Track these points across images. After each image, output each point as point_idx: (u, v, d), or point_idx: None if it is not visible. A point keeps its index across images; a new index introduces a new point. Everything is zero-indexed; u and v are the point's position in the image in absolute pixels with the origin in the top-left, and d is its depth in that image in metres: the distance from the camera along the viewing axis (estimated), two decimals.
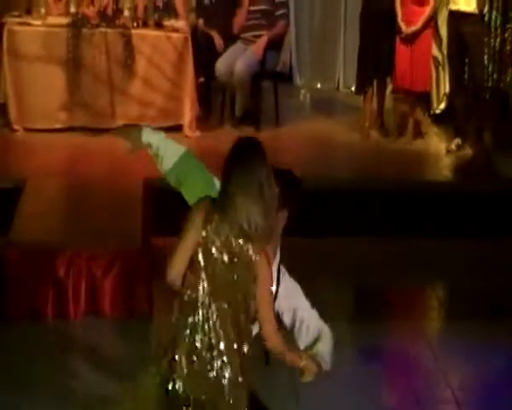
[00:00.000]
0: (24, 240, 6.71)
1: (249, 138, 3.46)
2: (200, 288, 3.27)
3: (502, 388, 5.98)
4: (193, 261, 3.24)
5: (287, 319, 3.90)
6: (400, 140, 8.97)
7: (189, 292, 3.24)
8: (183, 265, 3.23)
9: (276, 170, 3.68)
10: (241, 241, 3.21)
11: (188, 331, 3.25)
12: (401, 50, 8.86)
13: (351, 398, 5.57)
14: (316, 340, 3.91)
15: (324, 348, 3.86)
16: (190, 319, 3.24)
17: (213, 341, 3.31)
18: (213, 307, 3.26)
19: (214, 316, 3.28)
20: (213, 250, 3.22)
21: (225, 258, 3.24)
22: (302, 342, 3.90)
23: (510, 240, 7.57)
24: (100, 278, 6.30)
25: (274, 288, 3.81)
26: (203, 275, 3.25)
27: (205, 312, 3.29)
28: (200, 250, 3.22)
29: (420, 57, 8.96)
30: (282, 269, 3.86)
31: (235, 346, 3.33)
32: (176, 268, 3.25)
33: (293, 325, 3.91)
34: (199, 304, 3.25)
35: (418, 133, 9.32)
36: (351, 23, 10.52)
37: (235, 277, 3.26)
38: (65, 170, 8.00)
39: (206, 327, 3.30)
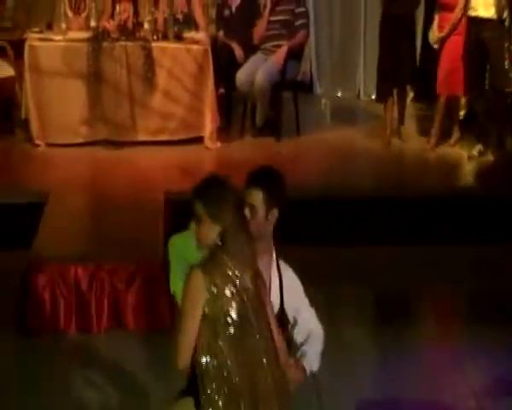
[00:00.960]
0: (46, 254, 6.53)
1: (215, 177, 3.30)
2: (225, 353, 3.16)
3: None
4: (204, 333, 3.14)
5: (291, 318, 3.76)
6: (423, 147, 8.67)
7: (209, 360, 3.14)
8: (191, 350, 3.14)
9: (257, 173, 3.69)
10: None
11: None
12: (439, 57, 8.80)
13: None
14: (304, 341, 3.81)
15: (311, 348, 3.78)
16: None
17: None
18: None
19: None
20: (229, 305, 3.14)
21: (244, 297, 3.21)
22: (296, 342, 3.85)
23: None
24: (122, 291, 6.19)
25: (277, 282, 3.77)
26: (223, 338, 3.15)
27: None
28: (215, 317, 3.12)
29: (453, 64, 8.61)
30: (283, 264, 3.81)
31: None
32: (185, 358, 3.14)
33: (294, 325, 3.79)
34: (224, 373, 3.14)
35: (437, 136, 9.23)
36: (370, 31, 10.36)
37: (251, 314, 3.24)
38: (87, 184, 7.88)
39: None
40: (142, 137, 8.71)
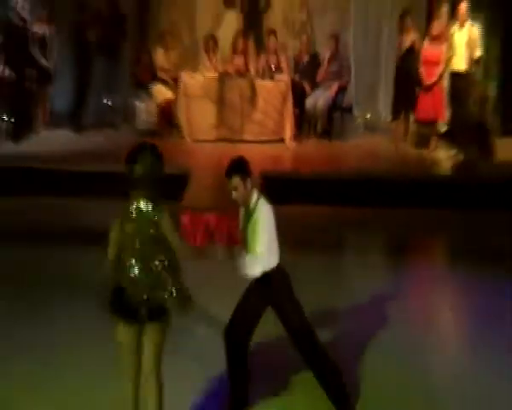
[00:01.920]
0: (189, 204, 8.65)
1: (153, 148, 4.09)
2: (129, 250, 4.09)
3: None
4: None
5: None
6: (421, 150, 10.89)
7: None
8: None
9: (230, 166, 4.57)
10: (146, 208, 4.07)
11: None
12: (423, 96, 10.78)
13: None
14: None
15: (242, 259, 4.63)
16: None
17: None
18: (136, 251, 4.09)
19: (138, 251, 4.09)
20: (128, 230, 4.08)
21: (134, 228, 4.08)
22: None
23: (488, 211, 9.20)
24: (233, 228, 6.92)
25: (250, 211, 4.61)
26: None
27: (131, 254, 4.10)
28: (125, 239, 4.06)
29: (435, 99, 10.71)
30: (263, 201, 4.62)
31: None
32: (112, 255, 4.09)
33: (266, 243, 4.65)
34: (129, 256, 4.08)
35: (427, 144, 10.97)
36: (388, 78, 12.13)
37: (142, 231, 4.09)
38: (214, 164, 9.71)
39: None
40: (247, 138, 10.97)
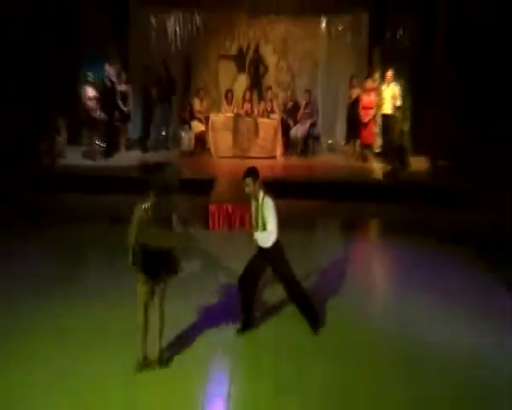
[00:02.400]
0: (215, 198, 9.85)
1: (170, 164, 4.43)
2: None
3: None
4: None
5: (263, 219, 5.18)
6: (363, 163, 12.40)
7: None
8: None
9: (247, 170, 5.15)
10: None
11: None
12: (362, 128, 12.46)
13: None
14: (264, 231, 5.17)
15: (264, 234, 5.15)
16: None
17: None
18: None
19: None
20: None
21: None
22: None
23: (406, 203, 10.09)
24: (244, 214, 7.87)
25: (259, 204, 5.08)
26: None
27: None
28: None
29: (369, 131, 12.58)
30: (267, 197, 5.11)
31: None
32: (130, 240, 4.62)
33: (265, 224, 5.23)
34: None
35: (366, 159, 12.55)
36: (342, 117, 13.94)
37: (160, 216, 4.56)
38: (231, 173, 10.74)
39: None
40: (252, 155, 12.46)
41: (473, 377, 5.23)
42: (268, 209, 5.11)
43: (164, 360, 5.09)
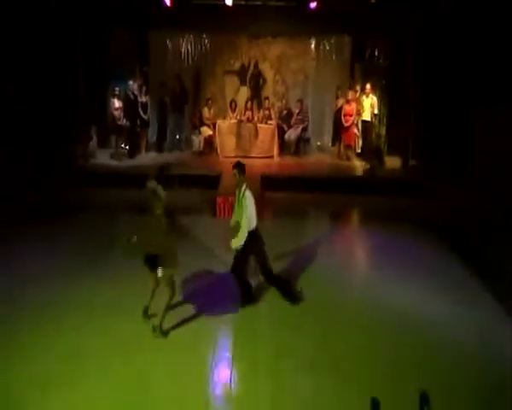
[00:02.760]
0: (221, 192, 10.35)
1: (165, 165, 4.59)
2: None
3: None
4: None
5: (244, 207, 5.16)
6: (347, 162, 13.39)
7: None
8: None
9: (235, 164, 5.47)
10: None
11: None
12: (345, 132, 13.52)
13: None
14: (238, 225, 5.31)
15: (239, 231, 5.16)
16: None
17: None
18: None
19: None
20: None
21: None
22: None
23: (382, 196, 10.70)
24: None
25: (242, 194, 5.31)
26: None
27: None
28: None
29: (350, 134, 13.60)
30: (247, 189, 5.36)
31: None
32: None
33: (244, 212, 5.31)
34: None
35: (349, 158, 13.48)
36: (329, 122, 14.60)
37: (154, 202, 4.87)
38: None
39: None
40: (253, 155, 13.29)
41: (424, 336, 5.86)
42: (246, 200, 5.54)
43: (159, 329, 5.56)
